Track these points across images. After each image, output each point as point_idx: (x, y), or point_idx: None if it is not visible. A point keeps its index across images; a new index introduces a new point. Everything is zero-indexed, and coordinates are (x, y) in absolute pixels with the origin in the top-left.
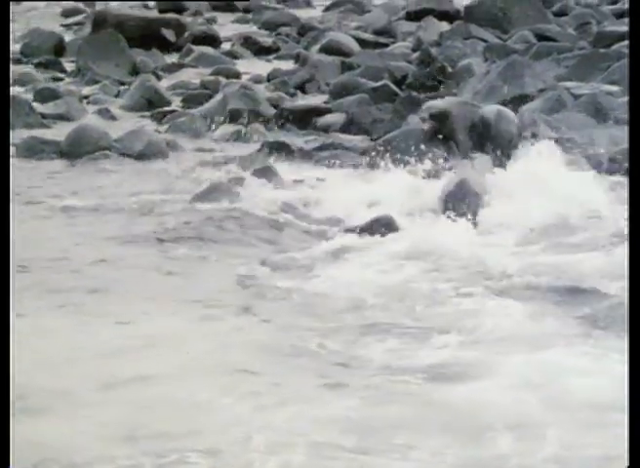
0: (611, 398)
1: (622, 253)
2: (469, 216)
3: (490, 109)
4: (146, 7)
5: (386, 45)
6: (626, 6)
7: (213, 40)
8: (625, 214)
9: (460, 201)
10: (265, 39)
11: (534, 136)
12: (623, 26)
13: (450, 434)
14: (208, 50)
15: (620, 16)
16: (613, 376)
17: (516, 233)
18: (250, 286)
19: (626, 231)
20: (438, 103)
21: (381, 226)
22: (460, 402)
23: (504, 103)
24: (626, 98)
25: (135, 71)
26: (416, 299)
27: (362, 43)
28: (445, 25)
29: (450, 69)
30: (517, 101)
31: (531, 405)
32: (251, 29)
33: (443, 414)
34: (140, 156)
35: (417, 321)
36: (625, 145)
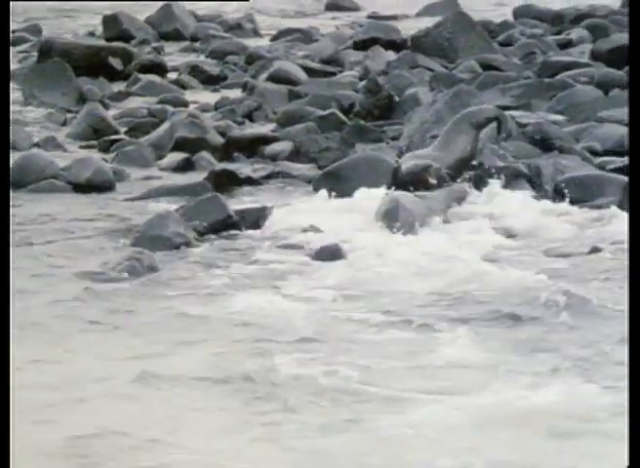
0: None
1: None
2: (411, 237)
3: None
4: (93, 35)
5: (334, 74)
6: (570, 36)
7: (160, 69)
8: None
9: (404, 223)
10: (213, 68)
11: (480, 165)
12: (568, 56)
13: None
14: (155, 78)
15: (564, 46)
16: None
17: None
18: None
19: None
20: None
21: (328, 253)
22: None
23: None
24: (572, 128)
25: (81, 100)
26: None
27: (309, 72)
28: (392, 55)
29: (397, 98)
30: None
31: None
32: (198, 58)
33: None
34: (88, 185)
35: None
36: (570, 174)
